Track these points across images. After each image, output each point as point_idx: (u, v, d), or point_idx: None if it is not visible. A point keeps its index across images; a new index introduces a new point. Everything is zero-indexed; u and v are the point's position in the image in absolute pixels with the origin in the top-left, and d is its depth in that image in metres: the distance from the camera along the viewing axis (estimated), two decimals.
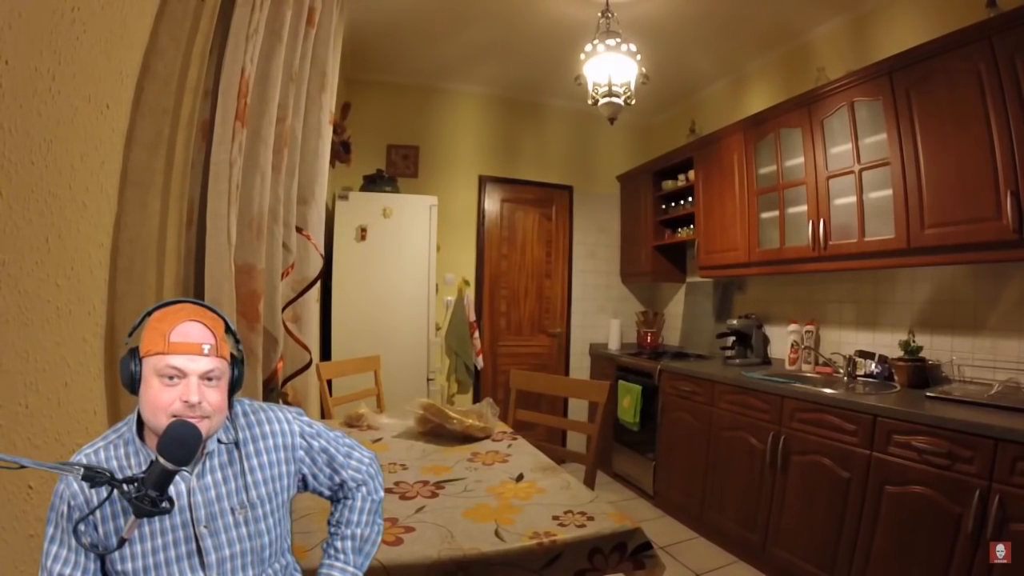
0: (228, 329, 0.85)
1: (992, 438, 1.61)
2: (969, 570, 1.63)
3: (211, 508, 0.80)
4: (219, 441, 0.83)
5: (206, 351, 0.76)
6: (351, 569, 0.93)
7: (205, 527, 0.79)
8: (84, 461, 0.73)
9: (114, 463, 0.77)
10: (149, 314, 0.80)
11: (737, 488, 2.60)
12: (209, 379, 0.77)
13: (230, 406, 0.87)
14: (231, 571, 0.80)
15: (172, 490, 0.76)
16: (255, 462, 0.85)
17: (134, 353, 0.77)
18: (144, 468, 0.74)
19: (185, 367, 0.75)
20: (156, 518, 0.75)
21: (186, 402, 0.74)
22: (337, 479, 0.96)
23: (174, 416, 0.74)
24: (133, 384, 0.77)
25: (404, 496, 1.46)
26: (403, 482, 1.57)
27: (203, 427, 0.76)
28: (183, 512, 0.78)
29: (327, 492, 0.97)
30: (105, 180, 1.05)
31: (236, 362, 0.84)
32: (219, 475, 0.82)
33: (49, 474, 0.70)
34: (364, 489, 1.00)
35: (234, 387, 0.84)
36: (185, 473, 0.79)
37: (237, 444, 0.85)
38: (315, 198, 1.74)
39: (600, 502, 1.45)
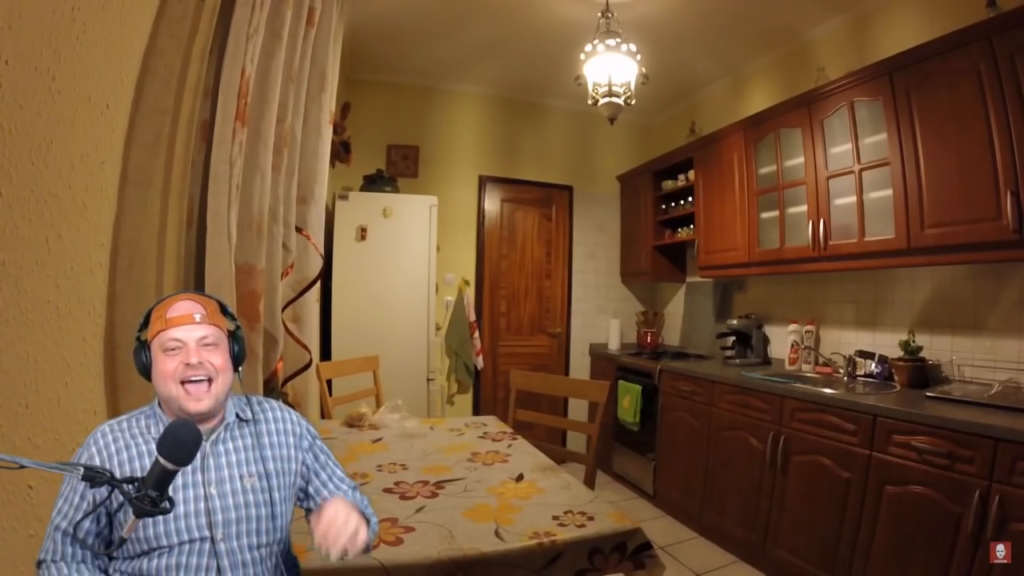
0: (225, 310, 0.92)
1: (992, 438, 1.61)
2: (969, 570, 1.63)
3: (221, 472, 0.86)
4: (238, 416, 0.91)
5: (198, 319, 0.84)
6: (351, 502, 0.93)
7: (214, 489, 0.84)
8: (106, 428, 0.84)
9: (135, 429, 0.85)
10: (151, 311, 0.87)
11: (737, 488, 2.60)
12: (206, 344, 0.85)
13: (248, 401, 0.95)
14: (237, 534, 0.84)
15: (183, 494, 0.82)
16: (267, 440, 0.92)
17: (143, 343, 0.86)
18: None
19: (183, 337, 0.83)
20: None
21: (188, 364, 0.82)
22: (331, 487, 1.00)
23: (181, 382, 0.82)
24: (147, 371, 0.85)
25: (404, 496, 1.46)
26: (403, 482, 1.57)
27: (211, 390, 0.84)
28: (195, 473, 0.83)
29: (325, 494, 0.98)
30: (105, 180, 1.05)
31: (235, 337, 0.91)
32: (231, 445, 0.89)
33: (49, 474, 0.70)
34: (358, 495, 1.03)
35: (237, 360, 0.91)
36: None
37: (252, 423, 0.91)
38: (315, 198, 1.74)
39: (600, 502, 1.45)
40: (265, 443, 0.92)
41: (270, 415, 0.96)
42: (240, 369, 0.93)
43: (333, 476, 1.00)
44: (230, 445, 0.89)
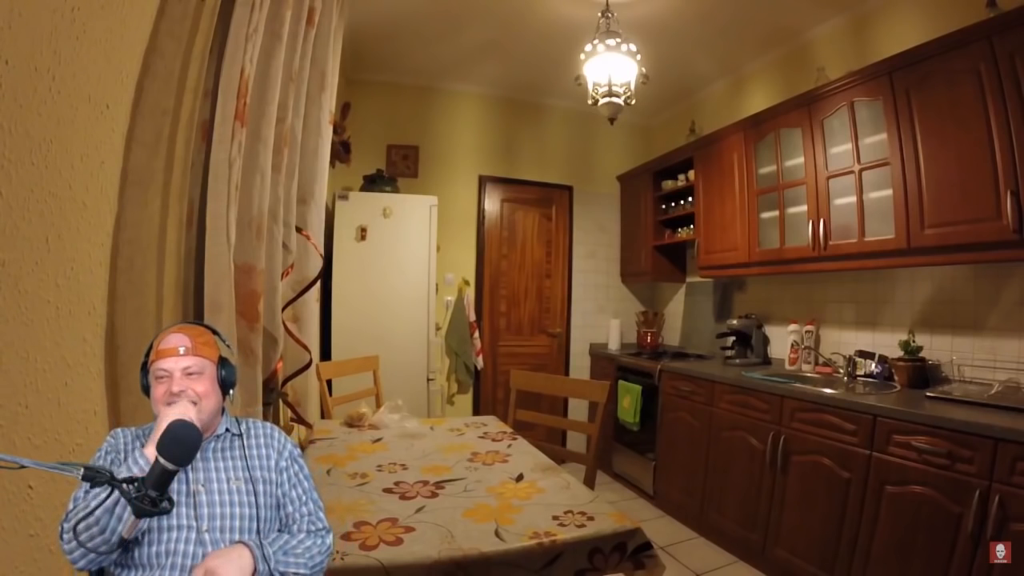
0: (217, 336, 1.00)
1: (992, 438, 1.61)
2: (969, 570, 1.63)
3: (209, 473, 0.92)
4: (227, 430, 0.98)
5: (182, 352, 0.92)
6: (265, 546, 0.88)
7: (202, 485, 0.90)
8: (118, 432, 0.93)
9: (142, 429, 0.94)
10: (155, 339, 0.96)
11: (737, 488, 2.60)
12: (190, 374, 0.92)
13: (239, 421, 1.02)
14: (221, 529, 0.88)
15: (173, 487, 0.82)
16: (254, 452, 0.99)
17: (145, 367, 0.94)
18: None
19: (168, 367, 0.91)
20: None
21: (171, 392, 0.89)
22: (303, 511, 0.98)
23: (168, 405, 0.88)
24: (148, 391, 0.94)
25: (404, 496, 1.46)
26: (403, 482, 1.57)
27: (194, 411, 0.89)
28: (184, 472, 0.87)
29: (288, 521, 0.97)
30: (105, 180, 1.05)
31: (224, 362, 0.98)
32: (219, 453, 0.96)
33: (49, 474, 0.70)
34: (317, 536, 0.98)
35: (226, 384, 0.97)
36: None
37: (242, 436, 0.99)
38: (315, 198, 1.74)
39: (600, 502, 1.45)
40: (253, 454, 0.99)
41: (260, 431, 1.03)
42: (231, 392, 0.99)
43: (301, 508, 0.98)
44: (219, 453, 0.96)
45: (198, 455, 0.90)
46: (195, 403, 0.90)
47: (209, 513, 0.89)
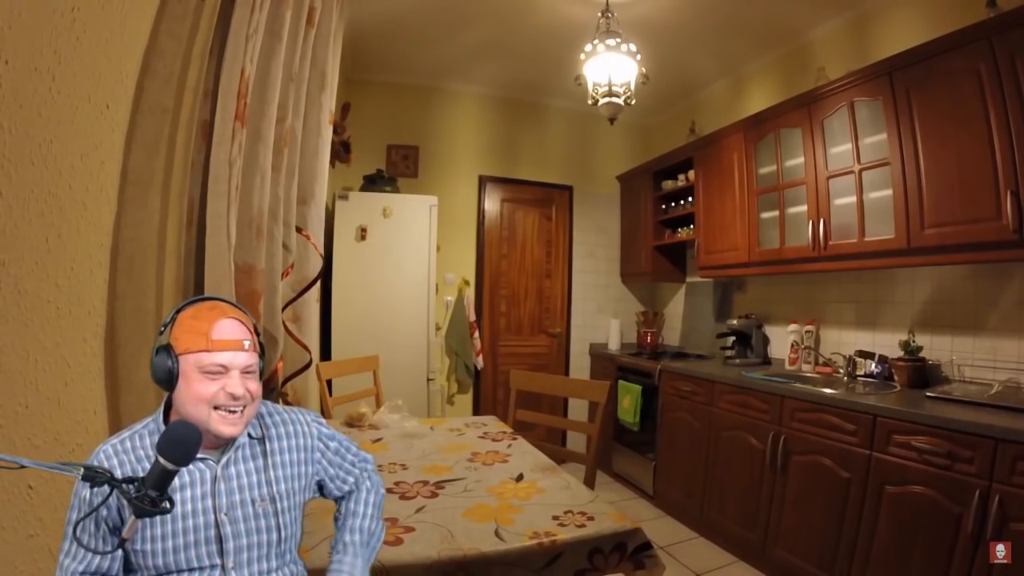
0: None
1: (992, 438, 1.61)
2: (969, 570, 1.63)
3: (233, 497, 0.83)
4: (249, 436, 0.88)
5: (247, 347, 0.82)
6: (359, 563, 0.94)
7: (226, 515, 0.82)
8: (110, 450, 0.79)
9: (140, 451, 0.81)
10: (179, 311, 0.83)
11: (737, 488, 2.60)
12: (249, 372, 0.82)
13: (257, 414, 0.94)
14: (247, 561, 0.83)
15: (196, 476, 0.80)
16: (278, 459, 0.90)
17: (168, 350, 0.79)
18: None
19: (229, 363, 0.79)
20: (185, 502, 0.79)
21: (231, 394, 0.79)
22: (351, 479, 1.02)
23: (216, 407, 0.79)
24: (171, 380, 0.79)
25: (404, 496, 1.46)
26: (403, 482, 1.57)
27: (244, 415, 0.82)
28: (206, 499, 0.81)
29: (338, 494, 1.02)
30: (105, 180, 1.05)
31: (262, 354, 0.90)
32: (242, 467, 0.86)
33: (49, 474, 0.70)
34: (369, 482, 1.05)
35: (260, 374, 0.89)
36: (211, 462, 0.83)
37: (263, 440, 0.90)
38: (315, 198, 1.74)
39: (600, 502, 1.45)
40: (277, 462, 0.89)
41: (282, 430, 0.92)
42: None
43: (342, 467, 1.01)
44: (241, 467, 0.86)
45: (219, 472, 0.83)
46: (248, 406, 0.82)
47: (235, 547, 0.81)
